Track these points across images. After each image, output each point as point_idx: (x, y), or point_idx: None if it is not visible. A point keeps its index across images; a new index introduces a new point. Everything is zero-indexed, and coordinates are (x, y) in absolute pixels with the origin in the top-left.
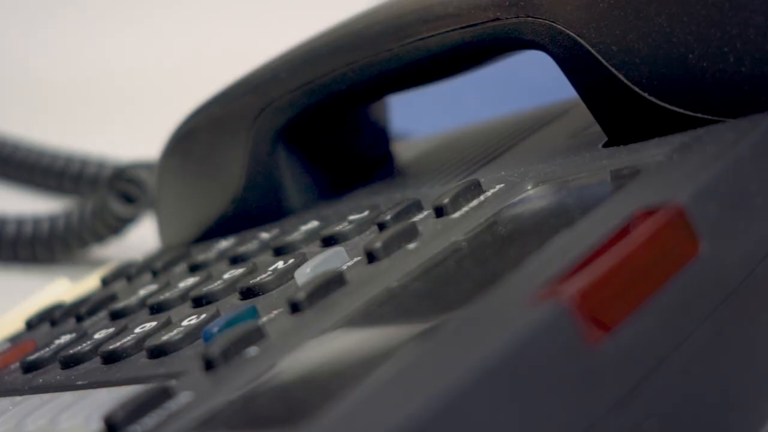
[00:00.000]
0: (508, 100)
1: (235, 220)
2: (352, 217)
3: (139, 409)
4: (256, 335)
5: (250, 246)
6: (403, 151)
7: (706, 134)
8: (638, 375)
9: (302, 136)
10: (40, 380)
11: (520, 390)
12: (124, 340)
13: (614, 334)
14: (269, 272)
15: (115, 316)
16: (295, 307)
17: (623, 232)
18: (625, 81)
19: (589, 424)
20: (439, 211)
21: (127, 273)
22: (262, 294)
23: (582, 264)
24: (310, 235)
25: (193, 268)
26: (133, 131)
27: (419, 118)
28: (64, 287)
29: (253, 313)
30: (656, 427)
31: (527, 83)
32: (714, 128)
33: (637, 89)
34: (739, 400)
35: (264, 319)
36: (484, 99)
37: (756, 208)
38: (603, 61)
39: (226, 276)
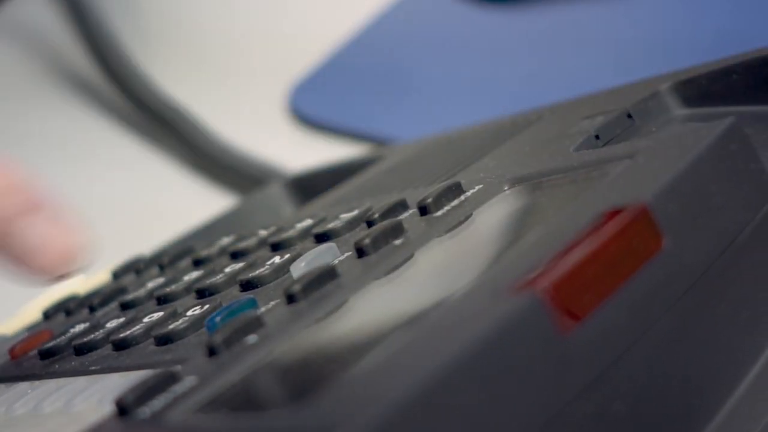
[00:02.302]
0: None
1: None
2: (342, 216)
3: (148, 392)
4: (256, 324)
5: (249, 242)
6: (389, 154)
7: (667, 139)
8: (606, 361)
9: None
10: (56, 366)
11: (499, 374)
12: (134, 328)
13: (584, 323)
14: (267, 266)
15: (125, 306)
16: (291, 298)
17: (593, 229)
18: None
19: (561, 406)
20: (423, 210)
21: (136, 267)
22: (261, 286)
23: (555, 259)
24: (304, 232)
25: (197, 263)
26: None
27: (405, 124)
28: (78, 280)
29: (253, 303)
30: (623, 409)
31: (505, 93)
32: (675, 134)
33: None
34: (700, 382)
35: (262, 309)
36: (464, 107)
37: (714, 206)
38: None
39: (227, 270)
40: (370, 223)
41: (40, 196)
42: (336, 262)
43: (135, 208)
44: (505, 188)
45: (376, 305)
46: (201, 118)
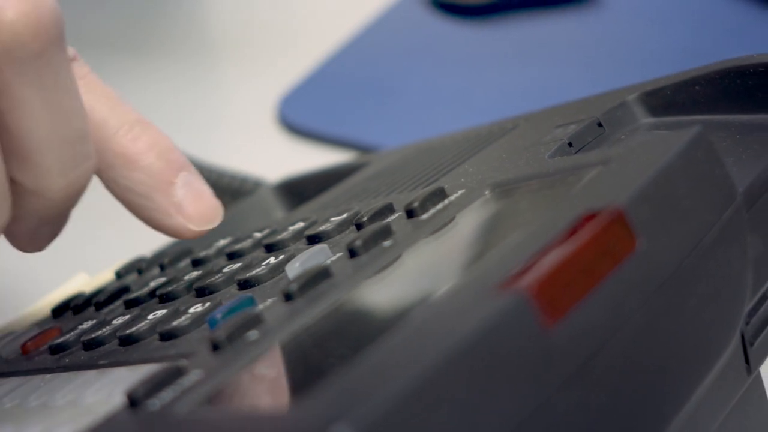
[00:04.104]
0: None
1: None
2: (332, 219)
3: (157, 385)
4: (256, 321)
5: (245, 244)
6: (374, 161)
7: (639, 147)
8: (586, 354)
9: None
10: (66, 360)
11: (489, 367)
12: (139, 325)
13: (566, 318)
14: (263, 266)
15: (130, 304)
16: (288, 297)
17: (572, 231)
18: None
19: (545, 397)
20: (410, 213)
21: (139, 267)
22: (258, 285)
23: (537, 259)
24: (297, 234)
25: (196, 263)
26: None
27: (389, 132)
28: (83, 280)
29: (251, 301)
30: (603, 398)
31: (483, 102)
32: (646, 142)
33: None
34: (672, 372)
35: (261, 306)
36: (444, 116)
37: (683, 209)
38: None
39: (225, 270)
40: (359, 226)
41: (186, 160)
42: (329, 262)
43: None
44: (486, 192)
45: (368, 303)
46: (195, 129)
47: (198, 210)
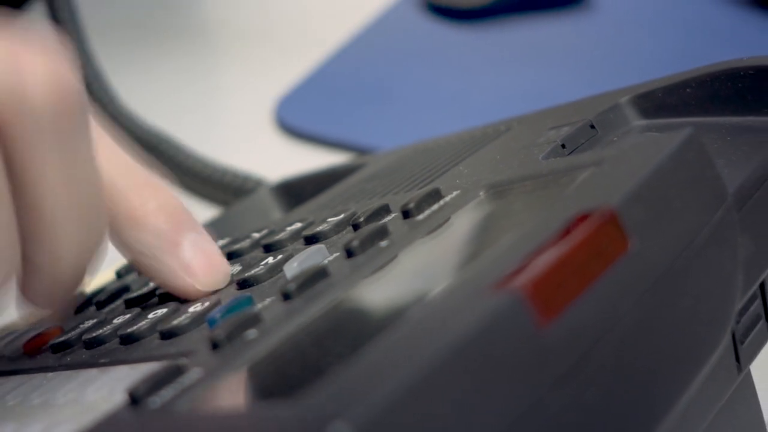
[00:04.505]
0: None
1: None
2: (329, 219)
3: (157, 383)
4: (254, 320)
5: (243, 244)
6: (370, 162)
7: (631, 148)
8: (580, 352)
9: None
10: (68, 359)
11: (485, 364)
12: (139, 324)
13: (559, 317)
14: (261, 266)
15: (130, 304)
16: (286, 296)
17: (566, 232)
18: None
19: (540, 395)
20: (406, 214)
21: None
22: (256, 285)
23: (532, 259)
24: (294, 235)
25: None
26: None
27: (385, 134)
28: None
29: (250, 301)
30: (596, 396)
31: (478, 105)
32: (638, 143)
33: None
34: (664, 371)
35: (259, 306)
36: (440, 118)
37: (675, 210)
38: None
39: None
40: (355, 226)
41: (195, 220)
42: (326, 262)
43: None
44: (481, 193)
45: (365, 303)
46: (195, 130)
47: (206, 271)
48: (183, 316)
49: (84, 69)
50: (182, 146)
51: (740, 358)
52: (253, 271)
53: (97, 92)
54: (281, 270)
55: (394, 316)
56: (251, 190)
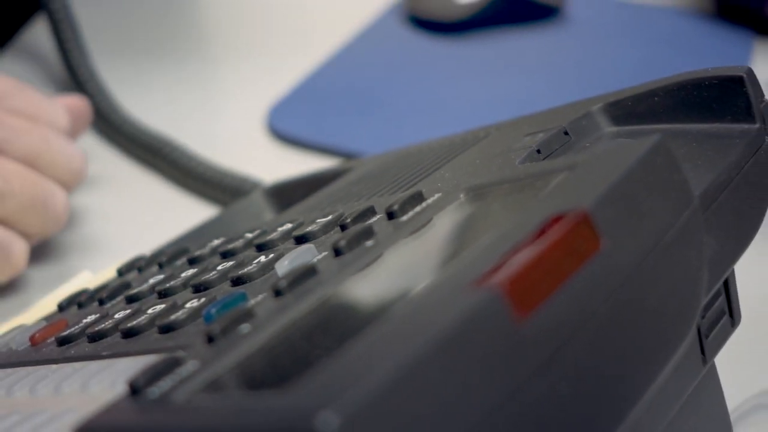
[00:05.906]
0: (442, 125)
1: None
2: (318, 220)
3: (156, 374)
4: (248, 315)
5: (237, 243)
6: (357, 166)
7: (603, 154)
8: (554, 346)
9: None
10: (72, 351)
11: (465, 358)
12: (139, 319)
13: (535, 313)
14: (254, 265)
15: (130, 300)
16: (278, 293)
17: (541, 232)
18: None
19: (517, 386)
20: (391, 215)
21: (138, 265)
22: (249, 282)
23: (508, 258)
24: (285, 235)
25: (192, 261)
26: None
27: (370, 140)
28: (87, 277)
29: (244, 297)
30: (569, 388)
31: (457, 113)
32: (609, 149)
33: None
34: (633, 363)
35: (252, 302)
36: (422, 125)
37: (643, 211)
38: None
39: (219, 268)
40: (343, 227)
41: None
42: (315, 260)
43: (135, 218)
44: (461, 196)
45: (352, 299)
46: (191, 137)
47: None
48: (180, 312)
49: (89, 83)
50: (187, 150)
51: (705, 351)
52: (246, 269)
53: (101, 102)
54: (273, 268)
55: (380, 312)
56: (248, 191)
